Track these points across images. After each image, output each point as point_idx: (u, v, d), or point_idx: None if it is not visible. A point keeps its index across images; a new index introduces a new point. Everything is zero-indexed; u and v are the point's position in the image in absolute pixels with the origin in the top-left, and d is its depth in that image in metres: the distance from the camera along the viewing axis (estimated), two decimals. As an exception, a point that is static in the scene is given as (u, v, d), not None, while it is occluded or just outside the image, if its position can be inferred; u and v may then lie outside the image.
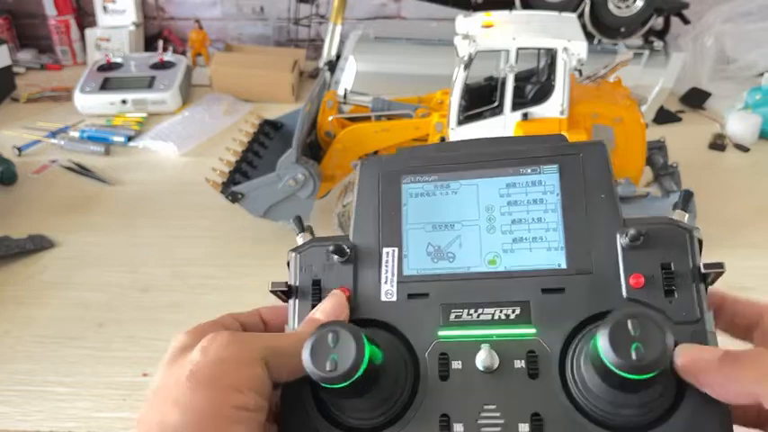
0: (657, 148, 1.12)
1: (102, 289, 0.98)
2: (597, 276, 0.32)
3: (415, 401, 0.32)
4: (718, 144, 1.35)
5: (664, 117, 1.46)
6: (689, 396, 0.29)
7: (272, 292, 0.36)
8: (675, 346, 0.29)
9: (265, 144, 1.17)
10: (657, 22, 1.54)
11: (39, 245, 1.07)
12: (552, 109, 0.95)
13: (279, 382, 0.33)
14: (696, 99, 1.52)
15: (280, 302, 0.38)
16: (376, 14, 1.88)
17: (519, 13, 1.10)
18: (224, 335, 0.31)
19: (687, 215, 0.33)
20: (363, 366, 0.29)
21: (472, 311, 0.33)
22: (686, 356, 0.29)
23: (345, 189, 1.07)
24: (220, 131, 1.45)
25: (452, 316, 0.33)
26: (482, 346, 0.32)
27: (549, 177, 0.35)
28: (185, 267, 1.03)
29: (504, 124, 0.96)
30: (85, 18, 1.91)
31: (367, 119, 1.08)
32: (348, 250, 0.36)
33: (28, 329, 0.91)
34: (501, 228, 0.35)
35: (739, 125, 1.36)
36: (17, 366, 0.85)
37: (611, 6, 1.44)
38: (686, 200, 0.33)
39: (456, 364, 0.32)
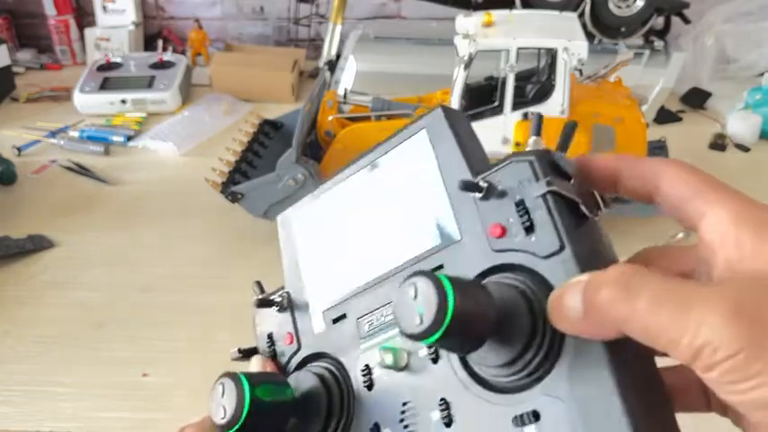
0: (658, 147, 1.12)
1: (102, 289, 0.98)
2: (466, 242, 0.31)
3: (353, 420, 0.33)
4: (718, 144, 1.35)
5: (664, 117, 1.46)
6: (568, 337, 0.27)
7: (234, 360, 0.40)
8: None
9: (265, 144, 1.17)
10: (658, 21, 1.54)
11: (39, 245, 1.07)
12: (553, 109, 0.95)
13: None
14: (696, 99, 1.52)
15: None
16: (376, 14, 1.88)
17: (519, 13, 1.10)
18: None
19: (541, 139, 0.32)
20: (245, 410, 0.30)
21: (379, 316, 0.34)
22: (551, 309, 0.26)
23: (345, 189, 1.07)
24: (220, 131, 1.45)
25: (366, 327, 0.34)
26: (378, 350, 0.32)
27: (406, 164, 0.35)
28: (185, 267, 1.03)
29: (505, 124, 0.96)
30: (85, 18, 1.91)
31: (367, 119, 1.08)
32: (279, 299, 0.39)
33: (28, 329, 0.91)
34: (382, 225, 0.35)
35: (740, 125, 1.36)
36: (17, 366, 0.85)
37: (611, 6, 1.44)
38: (538, 124, 0.32)
39: (377, 372, 0.33)
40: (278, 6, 1.86)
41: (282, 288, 0.40)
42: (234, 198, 1.02)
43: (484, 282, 0.30)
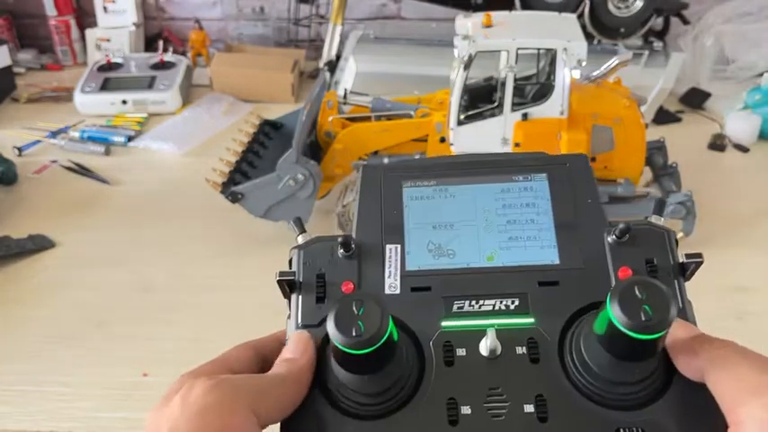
0: (657, 148, 1.12)
1: (102, 289, 0.99)
2: (588, 271, 0.35)
3: (421, 387, 0.33)
4: (717, 144, 1.35)
5: (663, 117, 1.47)
6: (679, 375, 0.31)
7: (278, 281, 0.37)
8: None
9: (265, 144, 1.17)
10: (657, 22, 1.54)
11: (39, 245, 1.07)
12: (552, 109, 0.95)
13: (268, 424, 0.32)
14: (696, 99, 1.52)
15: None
16: (376, 15, 1.88)
17: (519, 14, 1.10)
18: (204, 384, 0.30)
19: (662, 219, 0.36)
20: (387, 334, 0.30)
21: (474, 302, 0.35)
22: (673, 349, 0.31)
23: (345, 189, 1.07)
24: (220, 131, 1.45)
25: (455, 307, 0.35)
26: (488, 330, 0.33)
27: (540, 184, 0.38)
28: (185, 267, 1.03)
29: (505, 124, 0.96)
30: (86, 18, 1.91)
31: (367, 119, 1.08)
32: (353, 245, 0.37)
33: (28, 329, 0.91)
34: (497, 227, 0.37)
35: (739, 125, 1.36)
36: (17, 366, 0.85)
37: (610, 7, 1.44)
38: (660, 206, 0.37)
39: (460, 352, 0.34)
40: (278, 7, 1.87)
41: (349, 235, 0.38)
42: (234, 198, 1.02)
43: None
